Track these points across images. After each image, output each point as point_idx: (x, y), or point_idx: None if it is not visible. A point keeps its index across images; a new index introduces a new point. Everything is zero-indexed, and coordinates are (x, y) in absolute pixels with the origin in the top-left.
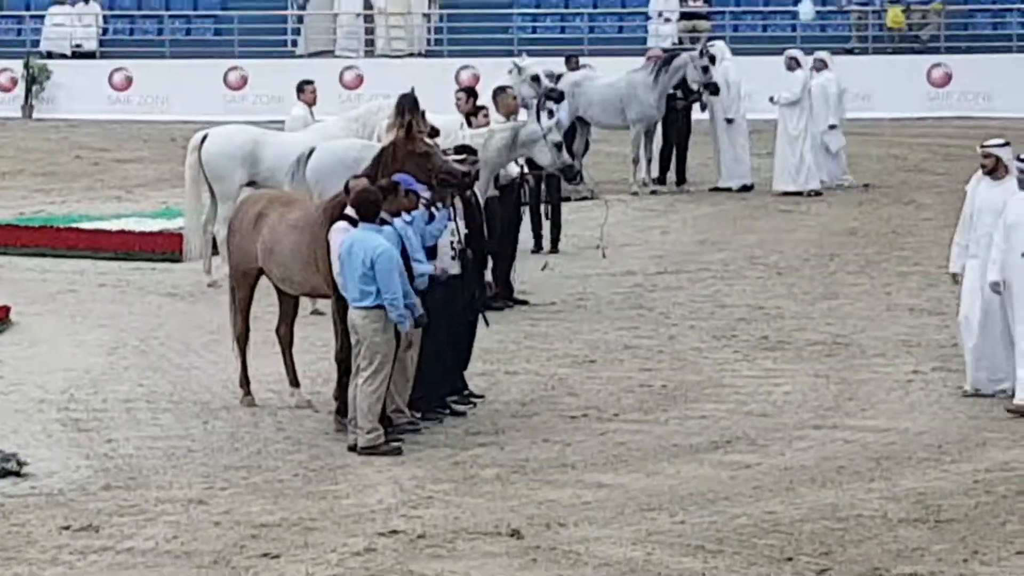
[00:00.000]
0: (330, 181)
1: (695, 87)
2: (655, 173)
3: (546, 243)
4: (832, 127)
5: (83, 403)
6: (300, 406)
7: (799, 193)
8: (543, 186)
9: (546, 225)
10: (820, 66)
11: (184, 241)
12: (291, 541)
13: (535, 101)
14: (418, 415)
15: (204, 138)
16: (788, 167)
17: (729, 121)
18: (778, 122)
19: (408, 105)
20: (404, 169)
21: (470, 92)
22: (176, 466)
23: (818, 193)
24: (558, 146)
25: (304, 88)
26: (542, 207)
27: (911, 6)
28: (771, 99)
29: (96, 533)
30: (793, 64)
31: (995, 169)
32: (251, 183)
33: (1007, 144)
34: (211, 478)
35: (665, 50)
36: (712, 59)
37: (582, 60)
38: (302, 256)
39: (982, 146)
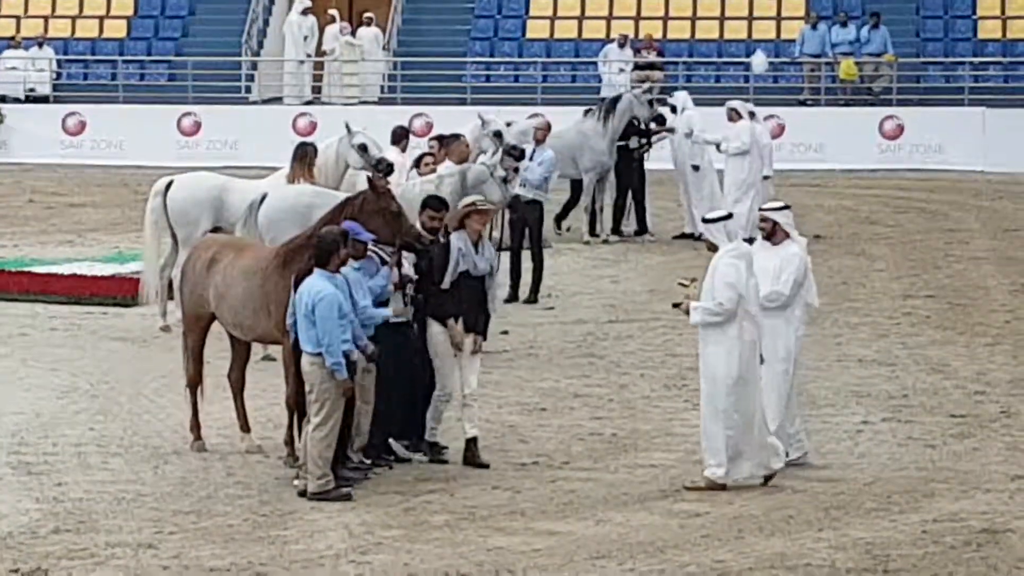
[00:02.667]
0: (281, 228)
1: (645, 125)
2: (608, 222)
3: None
4: (766, 178)
5: (33, 447)
6: (250, 451)
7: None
8: (527, 232)
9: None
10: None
11: (142, 285)
12: None
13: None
14: (367, 461)
15: (169, 184)
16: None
17: (695, 168)
18: (725, 172)
19: (298, 153)
20: (370, 226)
21: (442, 140)
22: (126, 510)
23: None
24: (505, 181)
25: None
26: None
27: (863, 58)
28: (718, 148)
29: None
30: (734, 115)
31: (773, 233)
32: (216, 229)
33: (786, 207)
34: (161, 523)
35: (603, 98)
36: (673, 108)
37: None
38: (253, 302)
39: (760, 209)
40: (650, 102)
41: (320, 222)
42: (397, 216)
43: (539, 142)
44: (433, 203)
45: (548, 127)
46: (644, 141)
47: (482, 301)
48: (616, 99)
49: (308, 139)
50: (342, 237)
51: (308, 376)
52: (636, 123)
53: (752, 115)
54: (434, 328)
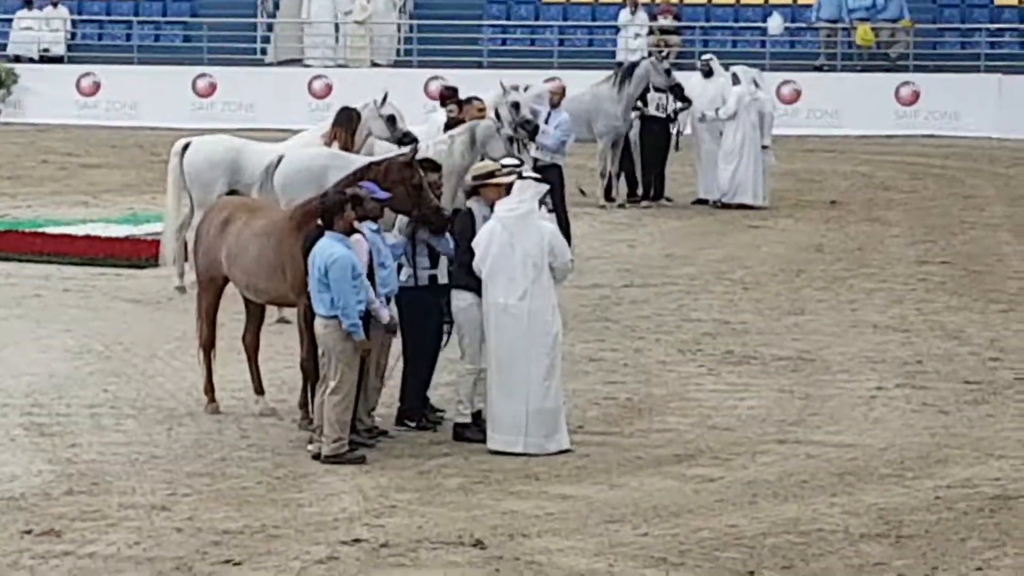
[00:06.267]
0: (296, 189)
1: (664, 92)
2: (624, 186)
3: None
4: (764, 147)
5: (46, 408)
6: (264, 414)
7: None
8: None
9: None
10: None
11: (162, 246)
12: (254, 548)
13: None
14: (412, 424)
15: (186, 145)
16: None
17: (765, 148)
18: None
19: (342, 117)
20: (392, 193)
21: (460, 103)
22: (139, 472)
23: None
24: (510, 140)
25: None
26: None
27: (880, 24)
28: (702, 117)
29: (58, 538)
30: (734, 80)
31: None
32: (233, 192)
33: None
34: (174, 484)
35: (620, 63)
36: (709, 72)
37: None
38: (267, 264)
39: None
40: (667, 71)
41: (340, 183)
42: (419, 189)
43: (554, 106)
44: (427, 164)
45: (563, 91)
46: (672, 109)
47: None
48: (633, 65)
49: (325, 101)
50: (349, 198)
51: (322, 340)
52: (668, 90)
53: (755, 83)
54: (463, 300)
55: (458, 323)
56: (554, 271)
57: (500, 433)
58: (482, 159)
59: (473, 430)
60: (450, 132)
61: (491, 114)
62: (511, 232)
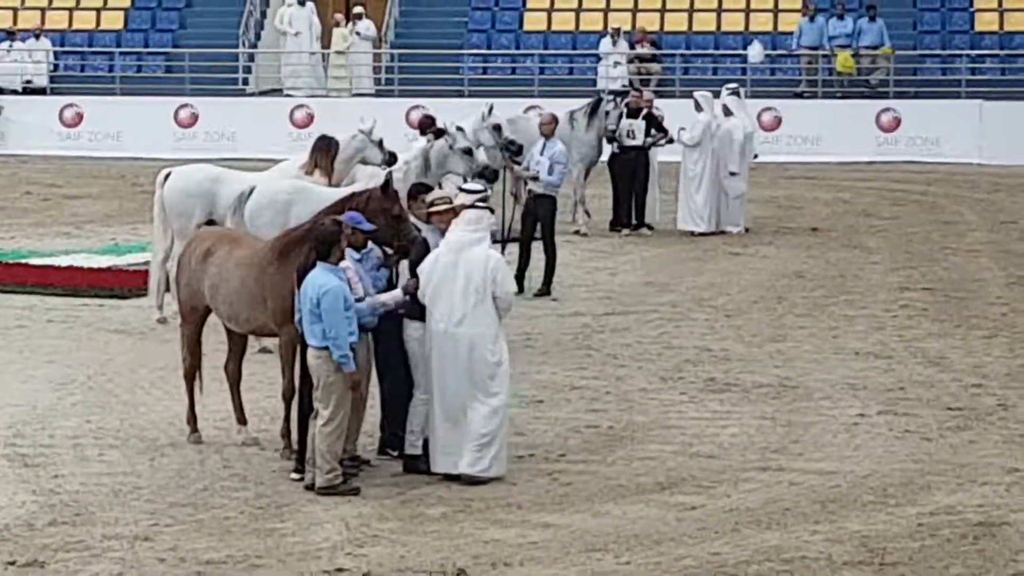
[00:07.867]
0: (262, 221)
1: (613, 128)
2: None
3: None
4: (732, 174)
5: (30, 439)
6: (247, 444)
7: (705, 233)
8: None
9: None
10: (726, 111)
11: (150, 276)
12: None
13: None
14: (395, 453)
15: (168, 175)
16: (689, 207)
17: (733, 174)
18: (681, 163)
19: (320, 146)
20: (371, 222)
21: (438, 134)
22: (122, 503)
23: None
24: (467, 151)
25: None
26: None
27: (860, 51)
28: (671, 139)
29: (41, 569)
30: (696, 105)
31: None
32: (211, 222)
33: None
34: (157, 515)
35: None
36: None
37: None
38: (249, 294)
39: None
40: (606, 113)
41: (323, 212)
42: (399, 219)
43: (547, 136)
44: (422, 189)
45: (555, 120)
46: (652, 138)
47: None
48: (599, 100)
49: (307, 131)
50: (342, 229)
51: (314, 371)
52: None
53: (728, 111)
54: (414, 330)
55: (411, 353)
56: (496, 301)
57: (442, 455)
58: (467, 180)
59: (423, 461)
60: (404, 158)
61: (472, 141)
62: (457, 255)
